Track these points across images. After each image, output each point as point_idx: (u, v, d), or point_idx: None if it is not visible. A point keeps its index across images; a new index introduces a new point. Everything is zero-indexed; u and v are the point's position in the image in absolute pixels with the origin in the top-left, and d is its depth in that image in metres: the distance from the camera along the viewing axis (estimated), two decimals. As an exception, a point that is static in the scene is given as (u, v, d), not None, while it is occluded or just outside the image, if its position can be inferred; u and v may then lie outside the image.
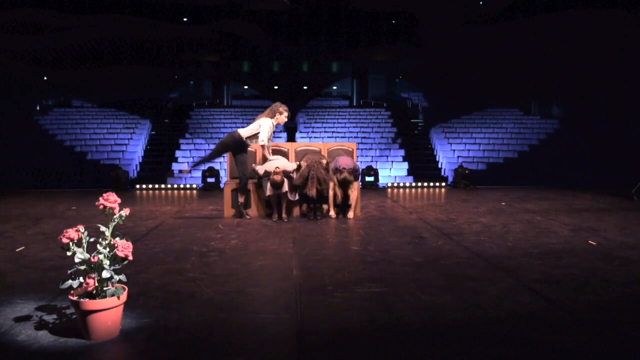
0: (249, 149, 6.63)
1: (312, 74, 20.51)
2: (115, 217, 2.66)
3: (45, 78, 17.69)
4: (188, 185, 11.43)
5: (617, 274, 3.79)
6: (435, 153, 14.52)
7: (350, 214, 6.63)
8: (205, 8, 18.60)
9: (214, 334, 2.67)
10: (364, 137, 14.62)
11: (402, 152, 13.86)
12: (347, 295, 3.32)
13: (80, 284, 2.60)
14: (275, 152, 6.89)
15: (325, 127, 15.58)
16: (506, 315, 2.92)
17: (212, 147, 13.97)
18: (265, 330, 2.70)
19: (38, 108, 17.45)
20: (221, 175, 11.67)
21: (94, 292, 2.58)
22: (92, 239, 2.66)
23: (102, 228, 2.67)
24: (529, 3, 16.67)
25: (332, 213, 6.62)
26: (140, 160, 13.89)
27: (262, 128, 6.40)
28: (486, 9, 16.83)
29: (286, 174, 6.35)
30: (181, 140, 14.65)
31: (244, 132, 6.46)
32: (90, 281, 2.54)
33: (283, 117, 6.57)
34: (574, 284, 3.53)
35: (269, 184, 6.28)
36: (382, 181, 11.92)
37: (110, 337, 2.59)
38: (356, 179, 6.60)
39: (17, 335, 2.65)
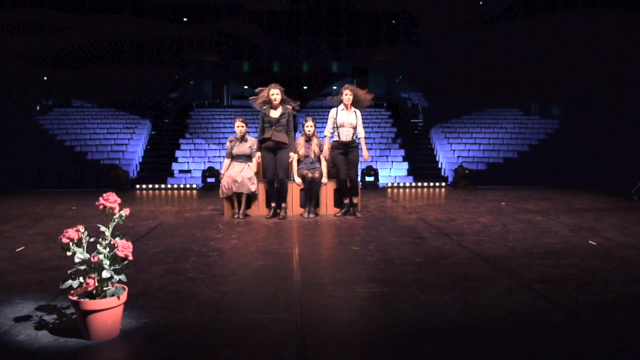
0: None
1: (312, 74, 20.51)
2: (115, 217, 2.66)
3: (45, 78, 17.69)
4: (188, 185, 11.44)
5: (617, 274, 3.79)
6: (435, 153, 14.52)
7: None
8: (205, 8, 18.61)
9: (214, 334, 2.67)
10: (364, 137, 14.60)
11: (402, 152, 13.86)
12: (347, 295, 3.31)
13: (80, 284, 2.60)
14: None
15: (325, 127, 15.57)
16: (506, 315, 2.92)
17: (212, 147, 14.03)
18: (265, 330, 2.70)
19: (38, 108, 17.46)
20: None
21: (94, 292, 2.58)
22: (92, 239, 2.66)
23: (102, 228, 2.67)
24: (529, 3, 16.68)
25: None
26: (140, 160, 13.89)
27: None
28: (486, 9, 16.83)
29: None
30: (181, 140, 14.65)
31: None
32: (90, 281, 2.53)
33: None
34: (574, 284, 3.53)
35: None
36: (382, 181, 11.92)
37: (110, 337, 2.59)
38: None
39: (17, 335, 2.65)
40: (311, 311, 3.00)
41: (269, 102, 6.49)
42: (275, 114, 6.47)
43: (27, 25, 16.46)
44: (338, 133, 6.53)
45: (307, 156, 6.88)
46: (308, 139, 6.93)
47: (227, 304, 3.15)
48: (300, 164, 6.89)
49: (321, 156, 6.85)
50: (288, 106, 6.56)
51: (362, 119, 6.72)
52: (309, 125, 6.86)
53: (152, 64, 19.04)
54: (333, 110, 6.58)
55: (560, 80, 15.84)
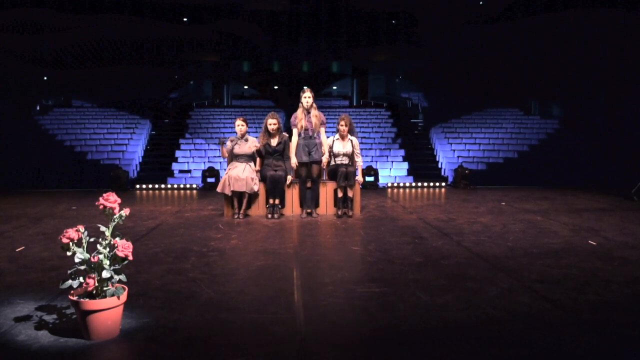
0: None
1: (312, 74, 20.51)
2: (115, 217, 2.66)
3: (45, 78, 17.69)
4: (188, 185, 11.44)
5: (617, 274, 3.79)
6: (435, 153, 14.52)
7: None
8: (205, 8, 18.60)
9: (214, 334, 2.67)
10: (364, 137, 14.62)
11: (402, 152, 13.86)
12: (347, 295, 3.32)
13: (80, 284, 2.60)
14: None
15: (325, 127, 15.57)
16: (506, 315, 2.92)
17: (212, 147, 14.02)
18: (265, 330, 2.70)
19: (38, 108, 17.46)
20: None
21: (94, 292, 2.58)
22: (92, 239, 2.66)
23: (102, 228, 2.67)
24: (529, 3, 16.67)
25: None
26: (140, 160, 13.89)
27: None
28: (486, 9, 16.83)
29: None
30: (181, 140, 14.65)
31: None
32: (90, 281, 2.53)
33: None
34: (574, 284, 3.53)
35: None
36: (382, 181, 11.92)
37: (110, 337, 2.59)
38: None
39: (17, 335, 2.65)
40: (311, 311, 3.00)
41: (267, 132, 6.76)
42: (274, 142, 6.77)
43: (27, 25, 16.45)
44: (334, 160, 6.85)
45: (306, 129, 6.62)
46: (307, 112, 6.65)
47: (227, 304, 3.15)
48: (299, 139, 6.68)
49: (322, 133, 6.78)
50: (284, 133, 6.91)
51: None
52: (307, 97, 6.53)
53: (152, 64, 19.04)
54: (330, 139, 6.86)
55: (560, 80, 15.84)
